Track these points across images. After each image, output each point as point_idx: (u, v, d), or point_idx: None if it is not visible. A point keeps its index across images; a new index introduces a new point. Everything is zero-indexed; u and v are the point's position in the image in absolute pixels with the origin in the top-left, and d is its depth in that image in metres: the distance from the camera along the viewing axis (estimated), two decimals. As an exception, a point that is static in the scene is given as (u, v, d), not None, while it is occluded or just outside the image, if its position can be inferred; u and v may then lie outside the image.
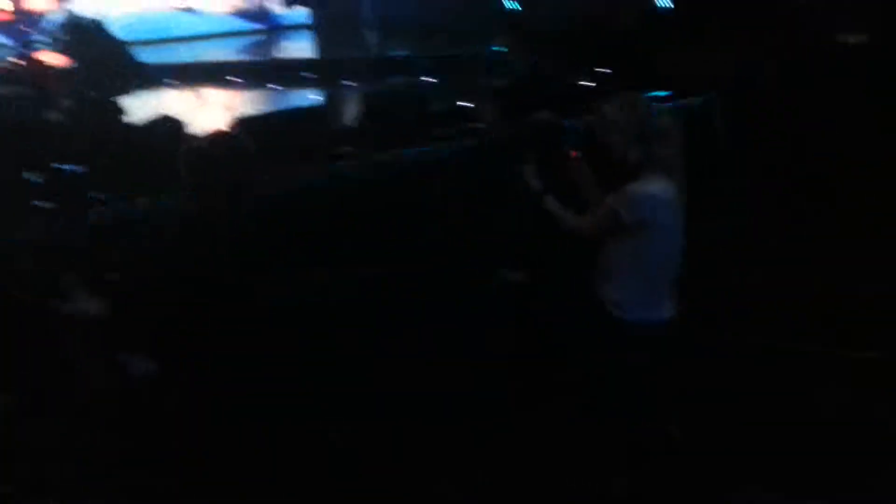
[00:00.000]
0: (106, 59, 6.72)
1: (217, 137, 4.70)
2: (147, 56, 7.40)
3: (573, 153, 3.67)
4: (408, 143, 5.10)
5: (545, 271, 4.13)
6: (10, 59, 8.33)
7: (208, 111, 6.06)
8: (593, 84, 5.74)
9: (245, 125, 5.29)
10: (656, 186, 3.26)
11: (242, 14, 19.72)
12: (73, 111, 5.36)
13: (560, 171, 3.64)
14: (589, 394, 3.50)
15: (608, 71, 5.77)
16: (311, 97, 6.22)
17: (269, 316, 3.84)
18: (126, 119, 5.49)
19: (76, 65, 6.54)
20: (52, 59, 7.28)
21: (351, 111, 5.58)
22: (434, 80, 5.95)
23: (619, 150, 3.30)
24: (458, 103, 5.34)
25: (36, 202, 4.75)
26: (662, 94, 3.38)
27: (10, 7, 18.48)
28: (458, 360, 4.12)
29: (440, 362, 4.12)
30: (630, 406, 3.41)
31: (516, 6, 11.35)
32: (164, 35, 17.38)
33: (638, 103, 3.37)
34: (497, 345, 4.08)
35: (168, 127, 5.21)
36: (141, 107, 5.79)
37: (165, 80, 7.22)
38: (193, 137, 4.97)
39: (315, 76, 7.84)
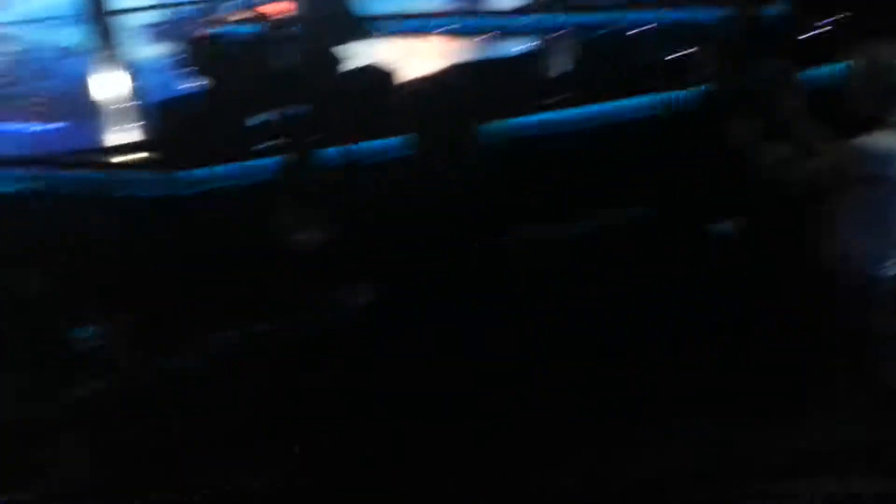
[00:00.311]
0: (326, 8, 6.94)
1: (429, 83, 4.80)
2: (363, 6, 7.64)
3: (799, 101, 3.55)
4: (622, 92, 5.00)
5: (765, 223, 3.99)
6: (242, 8, 8.80)
7: (421, 60, 6.16)
8: (829, 31, 5.37)
9: (458, 72, 5.36)
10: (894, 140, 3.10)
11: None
12: (297, 58, 5.60)
13: (787, 120, 3.51)
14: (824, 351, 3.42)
15: (846, 17, 5.35)
16: (522, 45, 6.18)
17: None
18: (341, 67, 5.68)
19: (300, 13, 6.83)
20: (279, 7, 7.64)
21: (563, 59, 5.50)
22: (654, 27, 5.75)
23: (863, 101, 3.15)
24: (679, 51, 5.15)
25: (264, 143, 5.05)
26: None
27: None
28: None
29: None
30: (865, 364, 3.31)
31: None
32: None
33: (890, 53, 3.17)
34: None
35: (375, 76, 5.34)
36: (355, 55, 5.96)
37: (379, 30, 7.39)
38: (403, 85, 5.09)
39: (526, 24, 7.80)
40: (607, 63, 5.21)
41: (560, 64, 5.44)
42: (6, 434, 4.07)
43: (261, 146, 5.04)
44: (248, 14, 8.16)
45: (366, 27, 6.28)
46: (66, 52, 9.33)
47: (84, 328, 4.60)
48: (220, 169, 5.04)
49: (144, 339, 4.67)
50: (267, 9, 7.92)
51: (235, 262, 4.67)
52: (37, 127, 7.98)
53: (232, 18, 8.30)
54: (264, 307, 4.59)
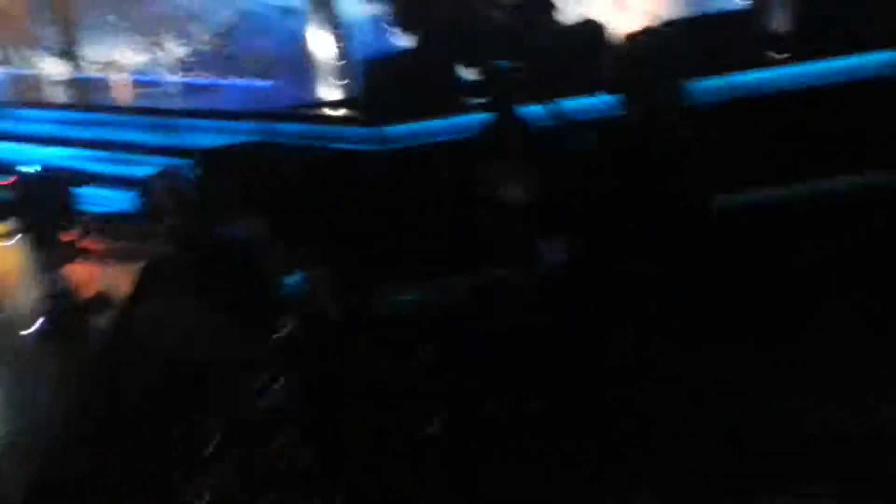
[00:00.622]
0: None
1: (643, 41, 4.63)
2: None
3: None
4: (850, 48, 4.64)
5: None
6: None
7: (632, 15, 5.96)
8: None
9: (670, 29, 5.14)
10: None
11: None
12: (507, 13, 5.54)
13: None
14: None
15: None
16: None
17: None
18: (553, 23, 5.57)
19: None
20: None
21: (781, 14, 5.15)
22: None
23: None
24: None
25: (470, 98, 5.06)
26: None
27: None
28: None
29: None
30: None
31: None
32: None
33: None
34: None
35: (589, 30, 5.20)
36: (566, 10, 5.83)
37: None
38: (615, 41, 4.93)
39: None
40: (832, 16, 4.83)
41: (779, 17, 5.09)
42: (212, 370, 4.33)
43: (467, 102, 5.06)
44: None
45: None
46: (283, 12, 9.74)
47: (291, 274, 4.81)
48: (426, 125, 5.11)
49: (348, 287, 4.83)
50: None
51: (436, 215, 4.74)
52: (256, 82, 8.43)
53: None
54: (463, 260, 4.64)
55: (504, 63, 4.74)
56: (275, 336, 4.42)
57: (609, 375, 3.90)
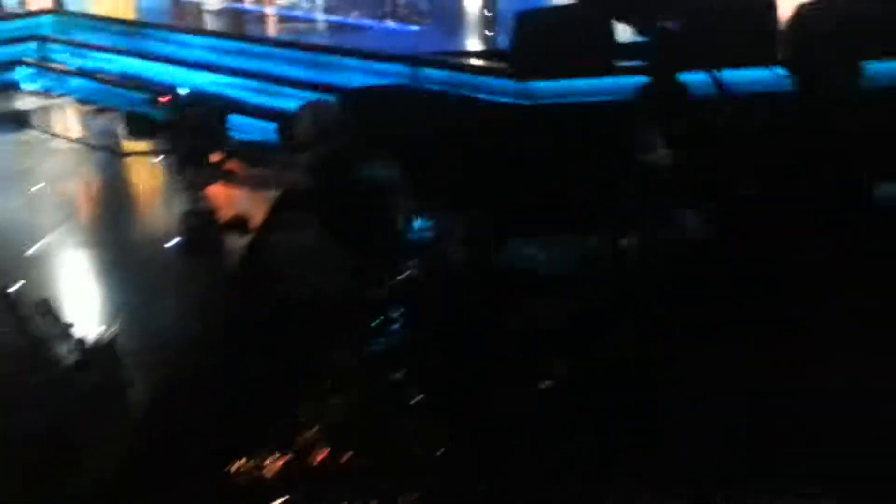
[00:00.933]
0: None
1: (820, 14, 4.39)
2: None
3: None
4: None
5: None
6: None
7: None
8: None
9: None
10: None
11: None
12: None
13: None
14: None
15: None
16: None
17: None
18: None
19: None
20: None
21: None
22: None
23: None
24: None
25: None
26: None
27: None
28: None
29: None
30: None
31: None
32: None
33: None
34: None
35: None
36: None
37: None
38: (794, 12, 4.66)
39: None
40: None
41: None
42: (336, 303, 4.39)
43: (621, 64, 4.90)
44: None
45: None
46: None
47: (420, 218, 4.82)
48: (575, 84, 5.00)
49: (474, 237, 4.81)
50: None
51: (571, 175, 4.65)
52: (405, 27, 8.46)
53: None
54: (592, 222, 4.55)
55: (669, 26, 4.54)
56: (397, 277, 4.46)
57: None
